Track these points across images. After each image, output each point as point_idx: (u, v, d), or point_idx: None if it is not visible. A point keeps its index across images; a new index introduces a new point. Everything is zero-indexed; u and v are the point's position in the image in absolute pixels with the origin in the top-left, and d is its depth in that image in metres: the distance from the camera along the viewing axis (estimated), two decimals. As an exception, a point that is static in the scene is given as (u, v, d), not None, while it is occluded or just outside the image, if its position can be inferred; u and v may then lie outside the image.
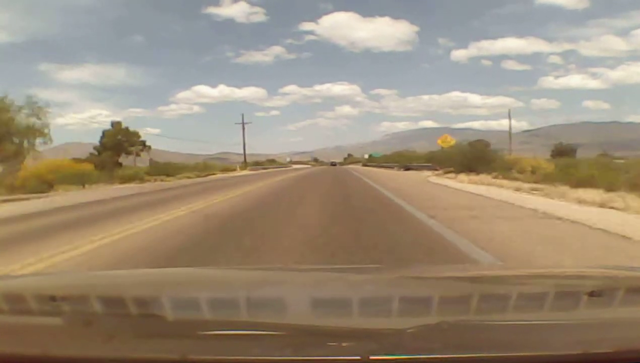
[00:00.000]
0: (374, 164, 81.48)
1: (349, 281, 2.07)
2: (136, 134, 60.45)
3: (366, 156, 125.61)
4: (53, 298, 1.50)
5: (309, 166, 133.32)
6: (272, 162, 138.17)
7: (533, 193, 14.62)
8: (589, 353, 0.99)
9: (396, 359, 0.98)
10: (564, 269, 3.48)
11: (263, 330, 1.13)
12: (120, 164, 53.02)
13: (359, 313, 1.43)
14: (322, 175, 38.07)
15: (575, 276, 2.18)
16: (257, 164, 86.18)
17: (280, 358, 1.00)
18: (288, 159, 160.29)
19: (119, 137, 58.13)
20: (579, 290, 1.53)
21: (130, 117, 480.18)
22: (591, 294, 1.42)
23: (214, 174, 49.30)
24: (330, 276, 2.28)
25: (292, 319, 1.43)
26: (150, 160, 56.84)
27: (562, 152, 68.21)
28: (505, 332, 1.17)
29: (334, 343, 1.04)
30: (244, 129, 79.51)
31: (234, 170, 61.32)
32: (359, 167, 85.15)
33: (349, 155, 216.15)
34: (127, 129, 59.77)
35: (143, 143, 60.19)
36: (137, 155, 57.98)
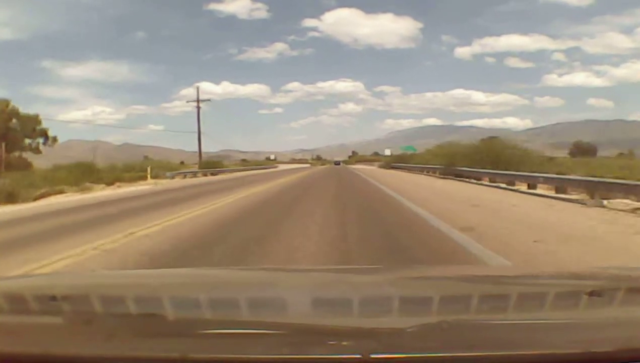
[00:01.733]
0: (415, 165, 43.21)
1: (349, 281, 2.07)
2: (34, 120, 39.19)
3: (387, 152, 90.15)
4: (53, 298, 1.51)
5: (307, 166, 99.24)
6: (270, 160, 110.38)
7: None
8: (589, 352, 0.99)
9: (396, 358, 0.98)
10: (564, 269, 3.48)
11: (263, 329, 1.13)
12: (7, 164, 34.05)
13: (360, 313, 1.44)
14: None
15: (575, 276, 2.18)
16: (211, 166, 48.68)
17: (280, 356, 1.00)
18: (272, 156, 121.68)
19: (9, 124, 37.45)
20: (579, 290, 1.53)
21: (134, 113, 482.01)
22: (591, 294, 1.42)
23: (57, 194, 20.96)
24: (330, 277, 2.28)
25: (292, 318, 1.43)
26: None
27: (582, 151, 61.89)
28: (505, 331, 1.17)
29: (335, 342, 1.04)
30: (199, 110, 50.04)
31: (144, 179, 30.84)
32: (379, 172, 45.04)
33: (354, 152, 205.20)
34: (17, 111, 38.56)
35: (45, 133, 39.48)
36: (38, 151, 39.22)
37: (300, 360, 1.01)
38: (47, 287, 1.90)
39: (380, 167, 66.30)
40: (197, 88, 55.51)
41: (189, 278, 2.24)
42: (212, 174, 42.74)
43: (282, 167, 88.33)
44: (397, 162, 56.94)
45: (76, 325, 1.26)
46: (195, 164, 55.87)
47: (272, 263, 6.13)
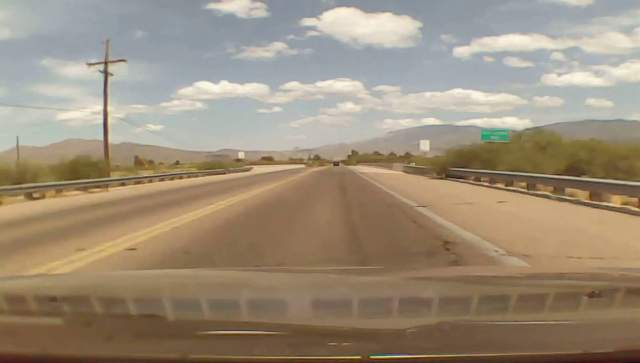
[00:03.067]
0: (506, 172, 20.10)
1: (349, 282, 2.07)
2: None
3: (424, 147, 45.46)
4: (53, 299, 1.50)
5: (301, 167, 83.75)
6: (239, 161, 77.36)
7: None
8: (589, 353, 0.99)
9: (396, 359, 0.99)
10: (563, 270, 3.49)
11: (263, 330, 1.13)
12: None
13: (360, 314, 1.44)
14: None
15: (575, 277, 2.18)
16: (83, 170, 24.66)
17: (280, 357, 1.00)
18: (241, 155, 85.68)
19: None
20: (579, 291, 1.54)
21: (133, 113, 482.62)
22: (591, 295, 1.42)
23: None
24: (330, 277, 2.28)
25: (292, 319, 1.43)
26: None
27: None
28: (505, 332, 1.17)
29: (335, 343, 1.05)
30: (106, 76, 32.18)
31: None
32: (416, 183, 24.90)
33: (353, 152, 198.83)
34: None
35: None
36: None
37: (301, 361, 1.00)
38: (47, 287, 1.90)
39: (410, 172, 38.02)
40: (107, 42, 32.65)
41: (189, 279, 2.24)
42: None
43: (260, 170, 61.18)
44: (455, 166, 27.04)
45: (76, 326, 1.26)
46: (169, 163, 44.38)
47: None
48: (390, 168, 54.32)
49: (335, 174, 37.57)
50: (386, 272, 2.73)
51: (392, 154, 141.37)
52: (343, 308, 1.50)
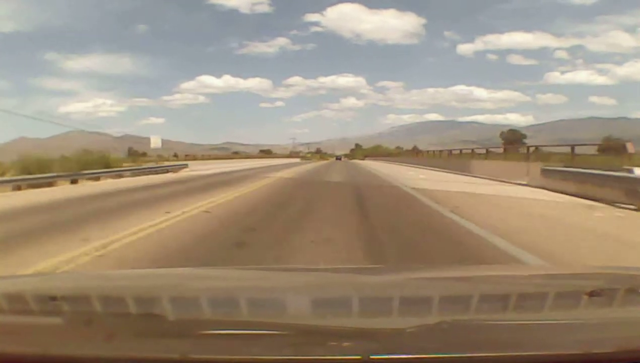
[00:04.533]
0: None
1: (349, 281, 2.06)
2: None
3: None
4: (53, 298, 1.50)
5: (296, 161, 68.64)
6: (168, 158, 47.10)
7: None
8: (589, 353, 1.00)
9: (396, 359, 0.99)
10: (564, 269, 3.49)
11: (263, 330, 1.13)
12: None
13: (360, 313, 1.44)
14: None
15: (575, 276, 2.18)
16: None
17: (280, 357, 1.00)
18: (155, 142, 36.42)
19: None
20: (579, 290, 1.53)
21: (135, 106, 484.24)
22: (591, 294, 1.42)
23: None
24: (330, 276, 2.27)
25: (292, 319, 1.43)
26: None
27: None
28: (505, 332, 1.17)
29: (335, 343, 1.05)
30: None
31: None
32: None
33: (357, 145, 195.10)
34: None
35: None
36: None
37: (301, 361, 1.00)
38: (47, 287, 1.89)
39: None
40: None
41: (189, 279, 2.23)
42: None
43: (200, 169, 33.91)
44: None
45: (76, 326, 1.26)
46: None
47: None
48: (464, 171, 24.48)
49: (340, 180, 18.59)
50: (386, 272, 2.73)
51: (398, 147, 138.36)
52: (343, 308, 1.50)
